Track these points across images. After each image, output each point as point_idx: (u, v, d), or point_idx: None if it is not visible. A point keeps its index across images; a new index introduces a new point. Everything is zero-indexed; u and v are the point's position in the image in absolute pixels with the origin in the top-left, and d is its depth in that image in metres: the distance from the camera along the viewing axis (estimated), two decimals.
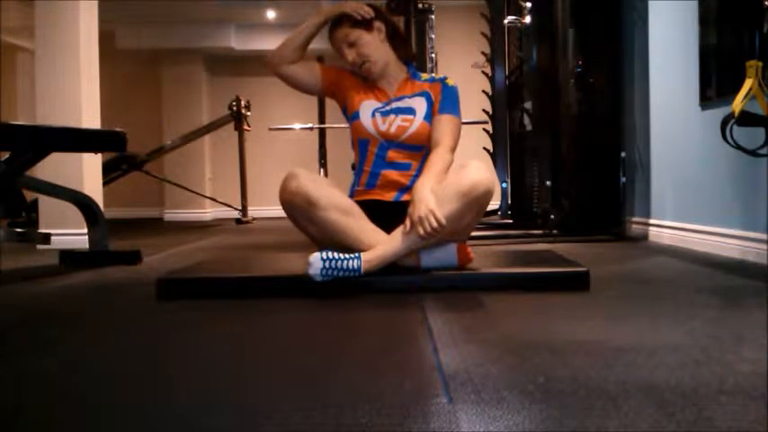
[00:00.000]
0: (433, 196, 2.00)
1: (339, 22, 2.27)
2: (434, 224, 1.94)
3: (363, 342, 1.49)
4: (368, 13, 2.26)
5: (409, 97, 2.31)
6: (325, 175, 6.78)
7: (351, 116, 2.33)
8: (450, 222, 2.01)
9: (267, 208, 7.50)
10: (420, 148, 2.27)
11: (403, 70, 2.37)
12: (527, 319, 1.67)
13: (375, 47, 2.28)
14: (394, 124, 2.26)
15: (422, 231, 1.96)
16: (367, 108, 2.30)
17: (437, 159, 2.16)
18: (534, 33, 4.29)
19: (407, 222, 2.01)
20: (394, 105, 2.30)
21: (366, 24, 2.27)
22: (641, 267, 2.71)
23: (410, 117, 2.27)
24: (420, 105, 2.28)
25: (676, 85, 3.36)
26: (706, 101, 3.02)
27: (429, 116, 2.27)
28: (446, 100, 2.28)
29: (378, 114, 2.28)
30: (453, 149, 2.22)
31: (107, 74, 4.76)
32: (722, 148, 2.48)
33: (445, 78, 2.34)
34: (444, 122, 2.25)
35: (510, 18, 4.60)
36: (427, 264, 2.11)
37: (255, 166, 7.80)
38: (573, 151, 3.93)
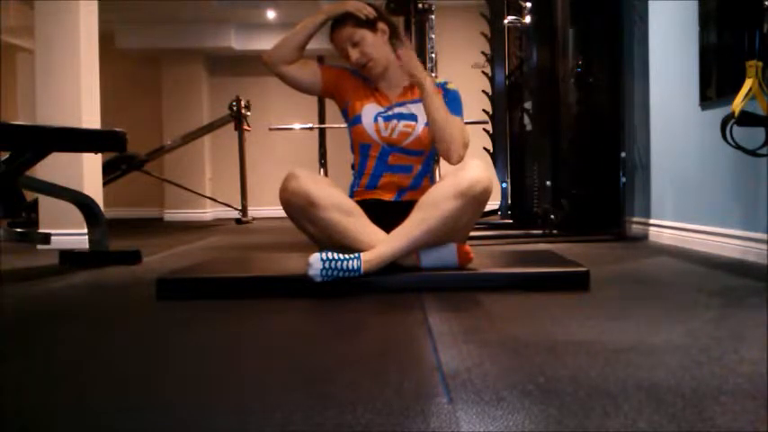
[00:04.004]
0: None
1: (342, 21, 2.26)
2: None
3: (363, 342, 1.49)
4: (371, 13, 2.26)
5: (411, 102, 2.30)
6: (325, 174, 6.77)
7: (352, 120, 2.33)
8: (449, 221, 2.01)
9: (267, 208, 7.50)
10: (421, 153, 2.28)
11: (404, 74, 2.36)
12: (527, 319, 1.67)
13: (378, 47, 2.27)
14: (396, 130, 2.26)
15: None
16: (369, 112, 2.29)
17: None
18: (534, 33, 4.29)
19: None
20: (396, 110, 2.29)
21: (370, 24, 2.26)
22: (641, 267, 2.71)
23: (412, 123, 2.27)
24: (421, 111, 2.28)
25: (676, 84, 3.36)
26: (706, 101, 3.02)
27: None
28: (450, 103, 2.27)
29: (380, 119, 2.28)
30: (466, 146, 2.20)
31: (107, 74, 4.75)
32: (722, 148, 2.48)
33: (446, 83, 2.33)
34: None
35: (510, 18, 4.60)
36: (427, 264, 2.11)
37: (255, 166, 7.80)
38: (573, 151, 3.93)
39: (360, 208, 2.14)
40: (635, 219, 3.90)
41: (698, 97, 3.09)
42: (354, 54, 2.27)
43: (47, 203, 3.86)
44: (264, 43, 7.48)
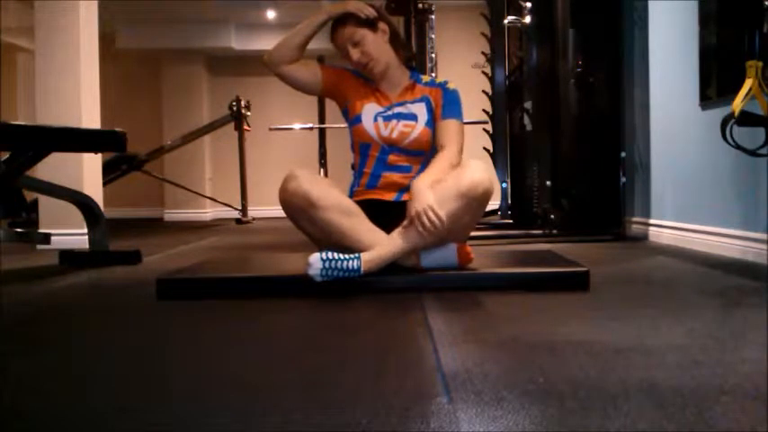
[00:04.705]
0: (433, 194, 2.00)
1: (343, 20, 2.27)
2: (433, 219, 1.95)
3: (363, 342, 1.49)
4: (372, 13, 2.26)
5: (411, 102, 2.31)
6: (325, 175, 6.78)
7: (352, 120, 2.33)
8: (450, 222, 2.01)
9: (267, 208, 7.50)
10: (421, 153, 2.28)
11: (405, 75, 2.36)
12: (527, 319, 1.67)
13: (379, 47, 2.27)
14: (396, 129, 2.26)
15: (420, 227, 1.97)
16: (369, 112, 2.29)
17: (442, 158, 2.17)
18: (534, 33, 4.29)
19: (407, 219, 2.01)
20: (396, 110, 2.29)
21: (371, 24, 2.26)
22: (641, 267, 2.71)
23: (412, 123, 2.27)
24: (421, 111, 2.28)
25: (676, 85, 3.36)
26: (706, 101, 3.02)
27: (430, 122, 2.27)
28: (449, 105, 2.28)
29: (380, 119, 2.28)
30: (460, 152, 2.23)
31: (107, 74, 4.76)
32: (722, 148, 2.48)
33: (446, 83, 2.33)
34: (449, 127, 2.25)
35: (510, 18, 4.60)
36: (427, 264, 2.11)
37: (255, 166, 7.80)
38: (573, 151, 3.93)
39: (359, 208, 2.14)
40: (635, 219, 3.90)
41: (698, 97, 3.09)
42: (355, 54, 2.27)
43: (47, 203, 3.86)
44: (264, 43, 7.49)
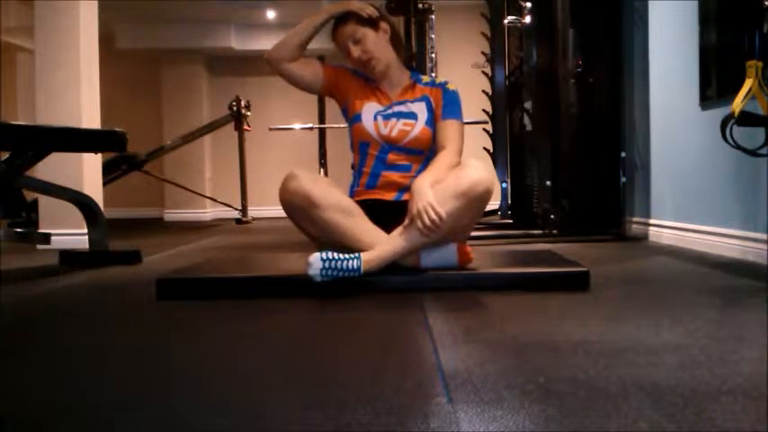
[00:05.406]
0: (433, 193, 2.01)
1: (345, 19, 2.28)
2: (433, 217, 1.95)
3: (363, 342, 1.49)
4: (373, 12, 2.27)
5: (411, 102, 2.31)
6: (325, 174, 6.78)
7: (352, 118, 2.33)
8: (450, 221, 2.01)
9: (267, 208, 7.50)
10: (421, 152, 2.28)
11: (406, 74, 2.36)
12: (527, 319, 1.67)
13: (380, 46, 2.28)
14: (395, 128, 2.26)
15: (420, 224, 1.97)
16: (369, 111, 2.30)
17: (442, 158, 2.18)
18: (534, 33, 4.29)
19: (407, 218, 2.02)
20: (396, 109, 2.30)
21: (372, 23, 2.27)
22: (641, 267, 2.71)
23: (411, 122, 2.27)
24: (421, 110, 2.29)
25: (676, 85, 3.36)
26: (706, 101, 3.02)
27: (430, 121, 2.27)
28: (448, 105, 2.29)
29: (380, 117, 2.28)
30: (459, 153, 2.23)
31: (107, 74, 4.76)
32: (722, 148, 2.48)
33: (446, 83, 2.34)
34: (449, 127, 2.26)
35: (510, 18, 4.60)
36: (427, 264, 2.11)
37: (255, 166, 7.80)
38: (573, 151, 3.93)
39: (360, 208, 2.14)
40: (635, 219, 3.90)
41: (698, 97, 3.09)
42: (356, 51, 2.27)
43: (47, 203, 3.86)
44: (264, 43, 7.49)
